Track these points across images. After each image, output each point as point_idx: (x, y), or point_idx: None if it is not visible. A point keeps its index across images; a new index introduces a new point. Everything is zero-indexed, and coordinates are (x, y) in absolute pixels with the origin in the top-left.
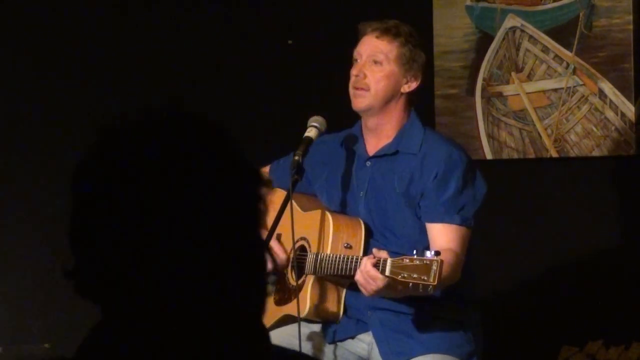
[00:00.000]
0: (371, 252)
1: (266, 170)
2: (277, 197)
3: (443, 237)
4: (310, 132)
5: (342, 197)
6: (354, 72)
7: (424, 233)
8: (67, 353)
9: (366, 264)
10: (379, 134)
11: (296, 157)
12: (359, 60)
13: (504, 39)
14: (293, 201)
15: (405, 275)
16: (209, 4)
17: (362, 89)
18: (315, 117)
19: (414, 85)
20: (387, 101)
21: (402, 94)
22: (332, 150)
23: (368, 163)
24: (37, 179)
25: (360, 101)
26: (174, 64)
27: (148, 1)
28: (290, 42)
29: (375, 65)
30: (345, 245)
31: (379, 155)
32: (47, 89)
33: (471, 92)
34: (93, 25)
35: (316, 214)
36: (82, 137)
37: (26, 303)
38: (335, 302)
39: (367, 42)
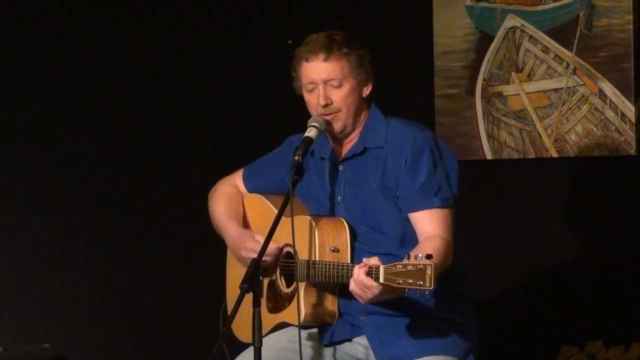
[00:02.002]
0: (358, 253)
1: (239, 176)
2: (253, 202)
3: (427, 224)
4: (311, 132)
5: (320, 204)
6: (320, 101)
7: (408, 222)
8: (67, 353)
9: (359, 273)
10: (346, 139)
11: (296, 157)
12: (315, 89)
13: (504, 39)
14: (272, 206)
15: (401, 282)
16: (209, 4)
17: (334, 113)
18: (315, 117)
19: (370, 86)
20: (357, 113)
21: (364, 99)
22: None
23: (340, 167)
24: (37, 180)
25: (337, 125)
26: (174, 64)
27: (149, 1)
28: (290, 42)
29: (336, 87)
30: (332, 249)
31: (349, 157)
32: (47, 89)
33: (471, 92)
34: (93, 25)
35: (297, 219)
36: (82, 137)
37: (26, 303)
38: (331, 304)
39: (316, 69)
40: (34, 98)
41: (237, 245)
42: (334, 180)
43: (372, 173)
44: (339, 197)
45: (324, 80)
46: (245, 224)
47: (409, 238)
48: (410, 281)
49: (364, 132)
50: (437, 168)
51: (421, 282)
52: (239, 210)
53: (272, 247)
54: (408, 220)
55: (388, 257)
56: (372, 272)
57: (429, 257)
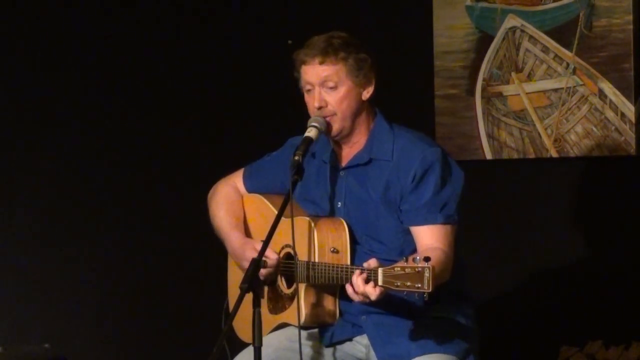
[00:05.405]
0: (357, 254)
1: (239, 177)
2: (252, 202)
3: (429, 238)
4: (310, 132)
5: (319, 208)
6: (315, 103)
7: (408, 235)
8: (67, 353)
9: (357, 283)
10: (348, 143)
11: (296, 157)
12: (311, 90)
13: (504, 39)
14: (271, 206)
15: (399, 284)
16: (209, 4)
17: (329, 116)
18: (315, 117)
19: (371, 89)
20: (355, 116)
21: (364, 101)
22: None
23: (342, 173)
24: (37, 180)
25: (334, 128)
26: (174, 64)
27: (149, 0)
28: (290, 42)
29: (331, 90)
30: (331, 250)
31: (353, 165)
32: (47, 89)
33: (471, 92)
34: (94, 25)
35: (297, 220)
36: (82, 137)
37: (26, 303)
38: (331, 305)
39: (312, 71)
40: (35, 98)
41: (238, 255)
42: (334, 185)
43: (374, 184)
44: (339, 204)
45: (320, 82)
46: (245, 225)
47: (407, 250)
48: (408, 284)
49: (370, 142)
50: (444, 185)
51: (419, 285)
52: (240, 215)
53: (273, 258)
54: (408, 232)
55: (388, 262)
56: (370, 276)
57: (427, 259)
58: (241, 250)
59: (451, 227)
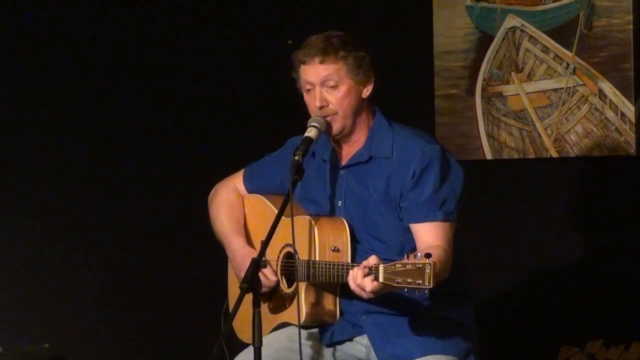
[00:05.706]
0: (358, 253)
1: (239, 177)
2: (253, 202)
3: (429, 235)
4: (310, 132)
5: (319, 207)
6: (316, 103)
7: (408, 233)
8: (67, 353)
9: (357, 276)
10: (348, 142)
11: (296, 157)
12: (312, 90)
13: (504, 39)
14: (272, 206)
15: (400, 281)
16: (210, 4)
17: (330, 115)
18: (315, 117)
19: (370, 86)
20: (356, 114)
21: (364, 99)
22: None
23: (342, 172)
24: (37, 180)
25: (335, 126)
26: (174, 64)
27: (149, 1)
28: (290, 42)
29: (332, 89)
30: (332, 248)
31: (353, 164)
32: (48, 89)
33: (471, 92)
34: (95, 25)
35: (297, 219)
36: (82, 138)
37: (26, 303)
38: (331, 304)
39: (312, 71)
40: (36, 98)
41: (238, 265)
42: (334, 184)
43: (374, 182)
44: (340, 202)
45: (320, 81)
46: (246, 226)
47: (407, 248)
48: (409, 280)
49: (370, 140)
50: (443, 182)
51: (420, 281)
52: (240, 218)
53: (272, 279)
54: (408, 230)
55: (388, 261)
56: (371, 272)
57: (427, 256)
58: (242, 261)
59: (450, 224)
